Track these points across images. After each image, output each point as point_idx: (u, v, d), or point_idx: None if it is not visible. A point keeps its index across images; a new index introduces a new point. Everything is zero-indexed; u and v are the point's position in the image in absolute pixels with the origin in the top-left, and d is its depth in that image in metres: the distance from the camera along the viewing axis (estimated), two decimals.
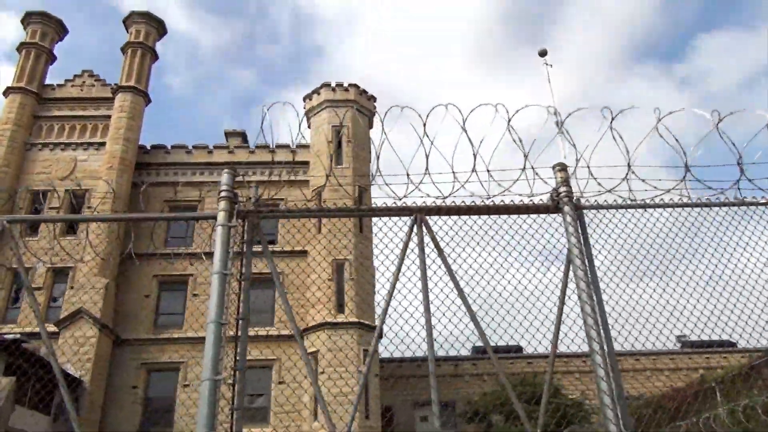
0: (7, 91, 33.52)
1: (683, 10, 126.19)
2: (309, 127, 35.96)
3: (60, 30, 36.94)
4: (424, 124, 4.76)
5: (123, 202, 31.18)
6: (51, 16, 36.20)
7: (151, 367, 28.84)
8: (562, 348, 4.98)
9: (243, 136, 39.24)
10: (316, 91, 35.30)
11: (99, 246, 29.02)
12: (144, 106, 34.55)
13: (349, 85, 35.02)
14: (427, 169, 4.67)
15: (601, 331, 4.13)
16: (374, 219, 5.07)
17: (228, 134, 39.05)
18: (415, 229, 4.55)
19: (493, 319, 4.98)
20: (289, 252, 31.83)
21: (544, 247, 5.49)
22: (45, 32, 35.86)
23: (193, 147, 34.67)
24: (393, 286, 4.42)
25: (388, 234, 4.90)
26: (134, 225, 32.04)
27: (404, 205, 4.63)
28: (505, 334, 4.99)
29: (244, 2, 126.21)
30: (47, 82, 35.23)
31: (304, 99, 36.05)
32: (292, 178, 33.62)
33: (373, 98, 35.93)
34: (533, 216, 5.13)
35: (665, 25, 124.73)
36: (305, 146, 34.01)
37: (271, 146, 33.78)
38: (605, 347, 4.10)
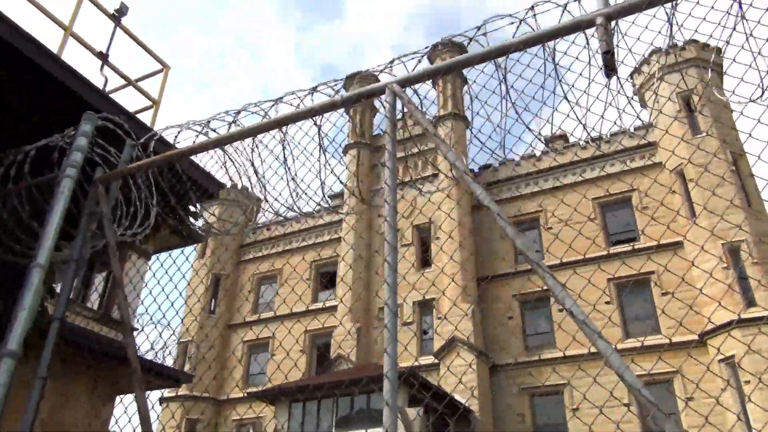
0: (346, 149, 36.49)
1: None
2: (643, 105, 31.38)
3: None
4: None
5: (466, 227, 30.77)
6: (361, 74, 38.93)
7: (531, 391, 26.81)
8: None
9: (563, 137, 36.32)
10: (646, 61, 30.63)
11: (455, 274, 28.72)
12: (465, 128, 34.28)
13: (686, 42, 29.53)
14: None
15: None
16: None
17: (548, 140, 36.51)
18: None
19: None
20: (653, 247, 27.36)
21: None
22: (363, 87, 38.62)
23: (521, 158, 32.95)
24: None
25: None
26: (482, 248, 31.43)
27: None
28: None
29: None
30: (375, 132, 37.63)
31: (631, 75, 31.62)
32: (641, 164, 29.58)
33: (718, 50, 29.69)
34: None
35: None
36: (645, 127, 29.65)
37: (605, 137, 30.15)
38: None
